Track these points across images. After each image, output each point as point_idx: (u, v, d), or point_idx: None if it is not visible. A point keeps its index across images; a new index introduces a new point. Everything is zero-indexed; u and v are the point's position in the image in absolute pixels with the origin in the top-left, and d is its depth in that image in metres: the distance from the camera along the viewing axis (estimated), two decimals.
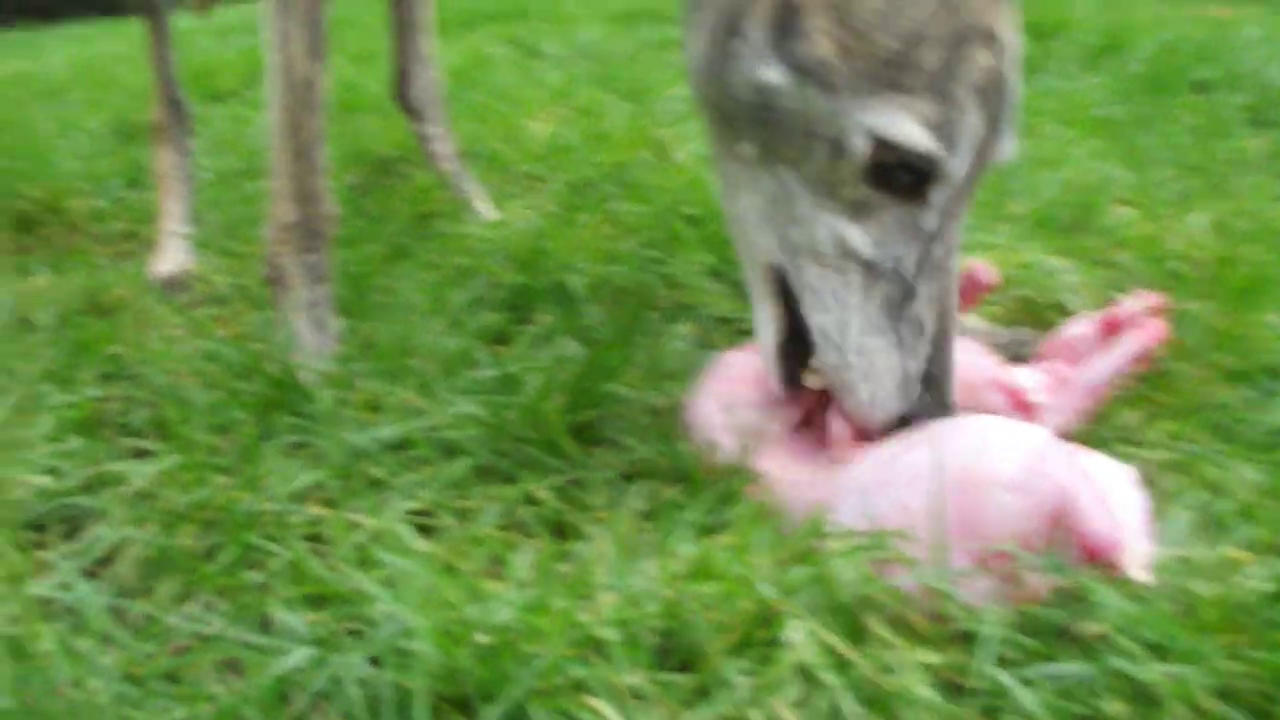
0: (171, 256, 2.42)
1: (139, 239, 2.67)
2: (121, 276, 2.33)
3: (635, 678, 0.98)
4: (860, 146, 1.26)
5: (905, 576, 1.11)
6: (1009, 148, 1.34)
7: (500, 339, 1.85)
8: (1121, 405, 1.55)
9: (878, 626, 1.06)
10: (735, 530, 1.21)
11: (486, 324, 1.88)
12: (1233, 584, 1.09)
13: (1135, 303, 1.60)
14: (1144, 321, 1.56)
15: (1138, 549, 1.16)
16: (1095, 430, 1.50)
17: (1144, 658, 1.00)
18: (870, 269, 1.32)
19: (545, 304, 1.96)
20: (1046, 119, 3.25)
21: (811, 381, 1.40)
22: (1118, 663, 1.00)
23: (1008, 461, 1.16)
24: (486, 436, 1.45)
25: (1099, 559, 1.12)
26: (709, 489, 1.33)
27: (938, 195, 1.30)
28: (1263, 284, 1.85)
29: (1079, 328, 1.63)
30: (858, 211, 1.31)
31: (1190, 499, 1.34)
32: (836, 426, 1.35)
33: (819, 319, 1.35)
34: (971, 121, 1.27)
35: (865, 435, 1.33)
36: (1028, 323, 1.91)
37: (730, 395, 1.44)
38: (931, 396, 1.33)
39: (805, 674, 1.00)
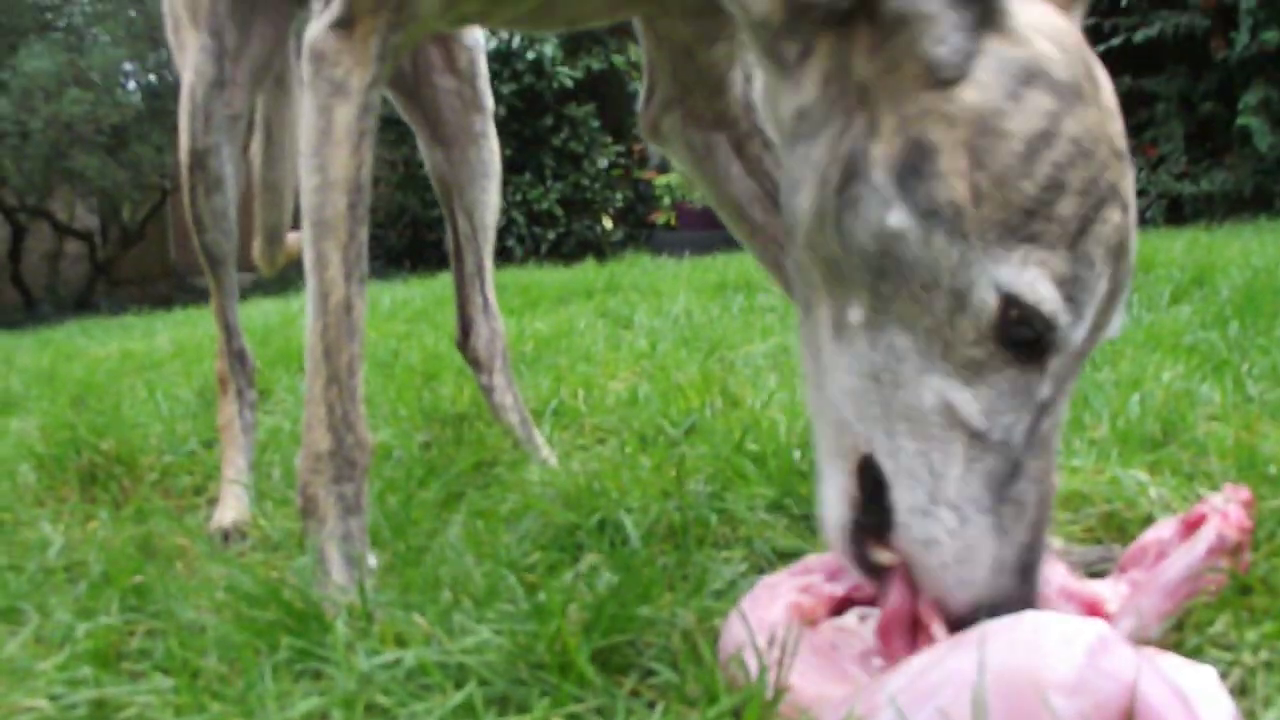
0: (231, 506, 2.39)
1: (206, 493, 2.63)
2: (180, 526, 2.28)
3: None
4: (988, 300, 1.17)
5: None
6: (1119, 323, 1.25)
7: (541, 575, 1.73)
8: (1211, 610, 1.38)
9: None
10: None
11: (529, 562, 1.76)
12: None
13: (1220, 497, 1.43)
14: (1225, 511, 1.39)
15: None
16: (1180, 639, 1.34)
17: None
18: (976, 439, 1.20)
19: (595, 543, 1.85)
20: (1130, 345, 3.13)
21: (885, 558, 1.25)
22: None
23: (1062, 660, 1.01)
24: (503, 664, 1.33)
25: None
26: (734, 711, 1.19)
27: (1056, 361, 1.20)
28: None
29: (1161, 531, 1.46)
30: (970, 375, 1.20)
31: None
32: (925, 613, 1.21)
33: (910, 497, 1.22)
34: (1101, 284, 1.18)
35: (954, 624, 1.18)
36: (1113, 540, 1.77)
37: (767, 616, 1.31)
38: (1022, 586, 1.19)
39: None
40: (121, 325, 10.10)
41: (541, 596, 1.47)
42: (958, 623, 1.19)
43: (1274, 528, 1.55)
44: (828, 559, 1.44)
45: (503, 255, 12.20)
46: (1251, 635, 1.32)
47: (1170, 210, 9.47)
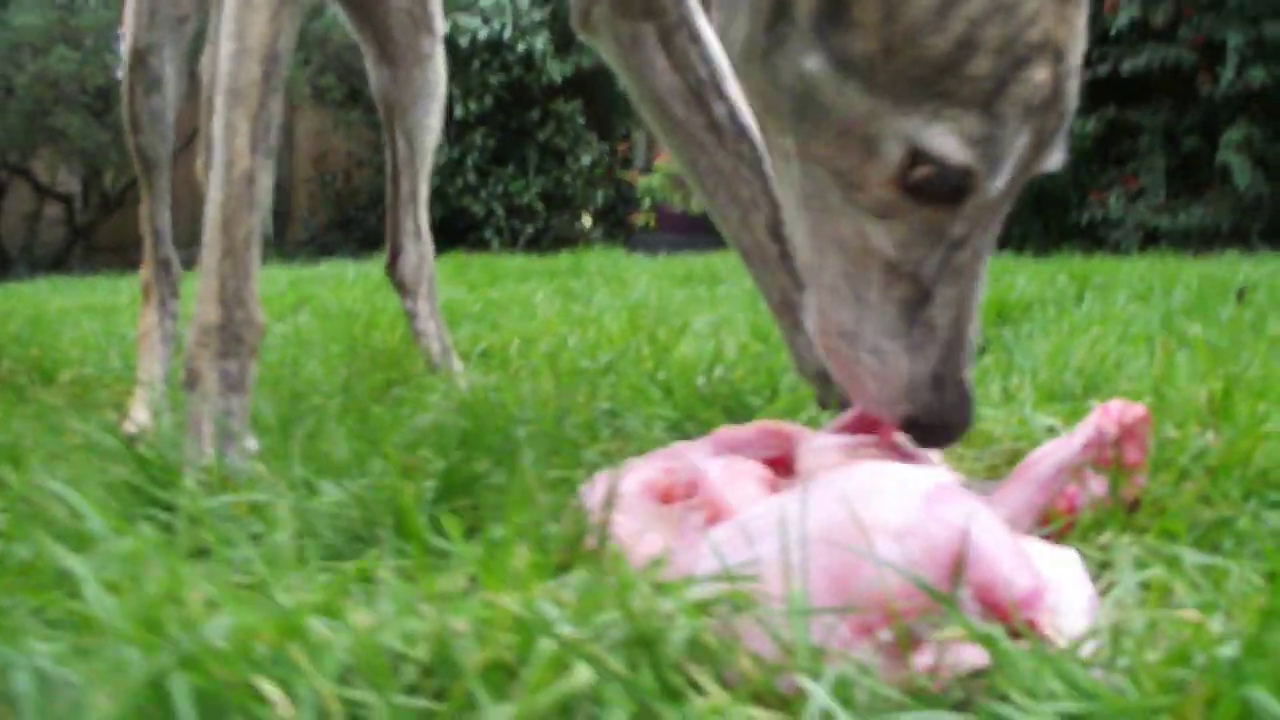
0: (142, 410, 2.31)
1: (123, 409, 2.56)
2: (76, 417, 2.19)
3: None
4: (894, 153, 1.19)
5: (756, 635, 0.89)
6: (1056, 159, 1.25)
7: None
8: (1096, 525, 1.31)
9: (707, 681, 0.84)
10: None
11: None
12: (1180, 651, 0.86)
13: (1114, 407, 1.36)
14: (1107, 406, 1.33)
15: (1067, 620, 0.94)
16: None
17: None
18: (890, 268, 1.26)
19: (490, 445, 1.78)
20: (1073, 329, 3.07)
21: None
22: None
23: (894, 505, 0.95)
24: (344, 521, 1.26)
25: (1008, 617, 0.90)
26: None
27: (970, 207, 1.22)
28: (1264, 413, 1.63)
29: (1046, 448, 1.40)
30: (884, 212, 1.24)
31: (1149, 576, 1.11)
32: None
33: (839, 316, 1.29)
34: (1020, 141, 1.18)
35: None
36: None
37: (619, 486, 1.24)
38: (944, 400, 1.26)
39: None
40: (89, 284, 9.99)
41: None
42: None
43: (1174, 455, 1.49)
44: (700, 444, 1.37)
45: (480, 245, 12.15)
46: (1125, 539, 1.25)
47: (1145, 242, 9.43)
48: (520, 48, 12.55)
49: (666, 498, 1.25)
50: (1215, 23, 9.46)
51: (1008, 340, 2.88)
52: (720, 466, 1.23)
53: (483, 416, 1.88)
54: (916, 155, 1.18)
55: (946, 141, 1.16)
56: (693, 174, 1.89)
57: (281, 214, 15.21)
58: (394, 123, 2.72)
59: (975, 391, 1.29)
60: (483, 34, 12.46)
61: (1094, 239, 9.67)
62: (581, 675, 0.78)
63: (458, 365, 2.63)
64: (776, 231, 1.80)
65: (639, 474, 1.28)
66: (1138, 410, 1.34)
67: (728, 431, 1.39)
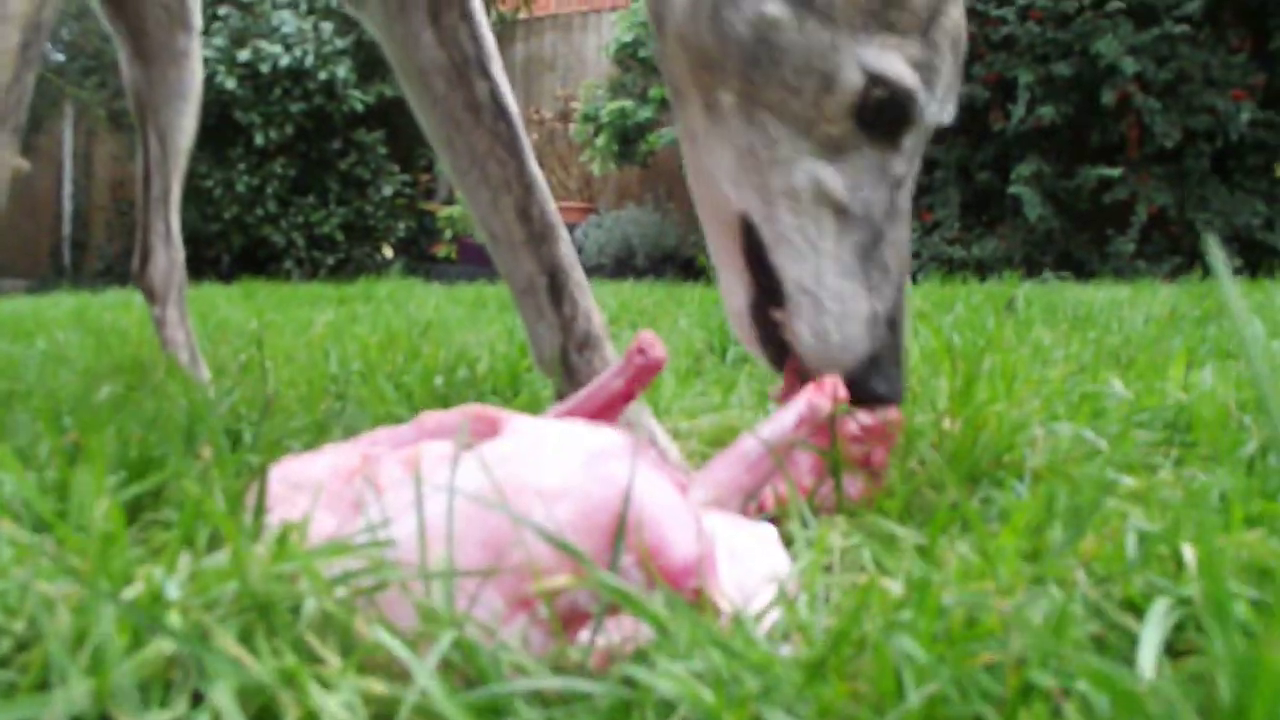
0: None
1: None
2: None
3: None
4: (853, 80, 1.30)
5: (398, 606, 0.80)
6: (951, 109, 1.37)
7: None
8: (814, 508, 1.26)
9: (330, 654, 0.76)
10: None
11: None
12: (853, 614, 0.79)
13: (829, 383, 1.31)
14: (821, 381, 1.27)
15: (750, 589, 0.87)
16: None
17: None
18: (843, 213, 1.34)
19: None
20: None
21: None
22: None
23: (553, 466, 0.87)
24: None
25: (675, 584, 0.82)
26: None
27: (909, 140, 1.35)
28: (997, 395, 1.60)
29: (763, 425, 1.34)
30: (834, 153, 1.33)
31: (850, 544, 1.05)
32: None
33: (793, 267, 1.35)
34: (947, 70, 1.34)
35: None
36: None
37: (307, 470, 1.15)
38: (894, 336, 1.35)
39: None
40: None
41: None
42: (850, 382, 1.31)
43: (915, 443, 1.45)
44: (398, 430, 1.29)
45: (281, 276, 11.90)
46: (841, 521, 1.20)
47: (946, 272, 9.57)
48: (322, 76, 12.33)
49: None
50: (1008, 61, 9.68)
51: None
52: (406, 450, 1.14)
53: (200, 415, 1.78)
54: (873, 79, 1.29)
55: (897, 65, 1.30)
56: (448, 153, 1.86)
57: (78, 244, 14.78)
58: (147, 122, 2.60)
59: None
60: (284, 61, 12.21)
61: None
62: (164, 645, 0.69)
63: (204, 374, 2.50)
64: (526, 214, 1.76)
65: (332, 457, 1.19)
66: (890, 413, 1.31)
67: (431, 416, 1.30)
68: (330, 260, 12.66)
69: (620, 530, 0.82)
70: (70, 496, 1.00)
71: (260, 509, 0.99)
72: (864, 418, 1.31)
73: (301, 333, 4.08)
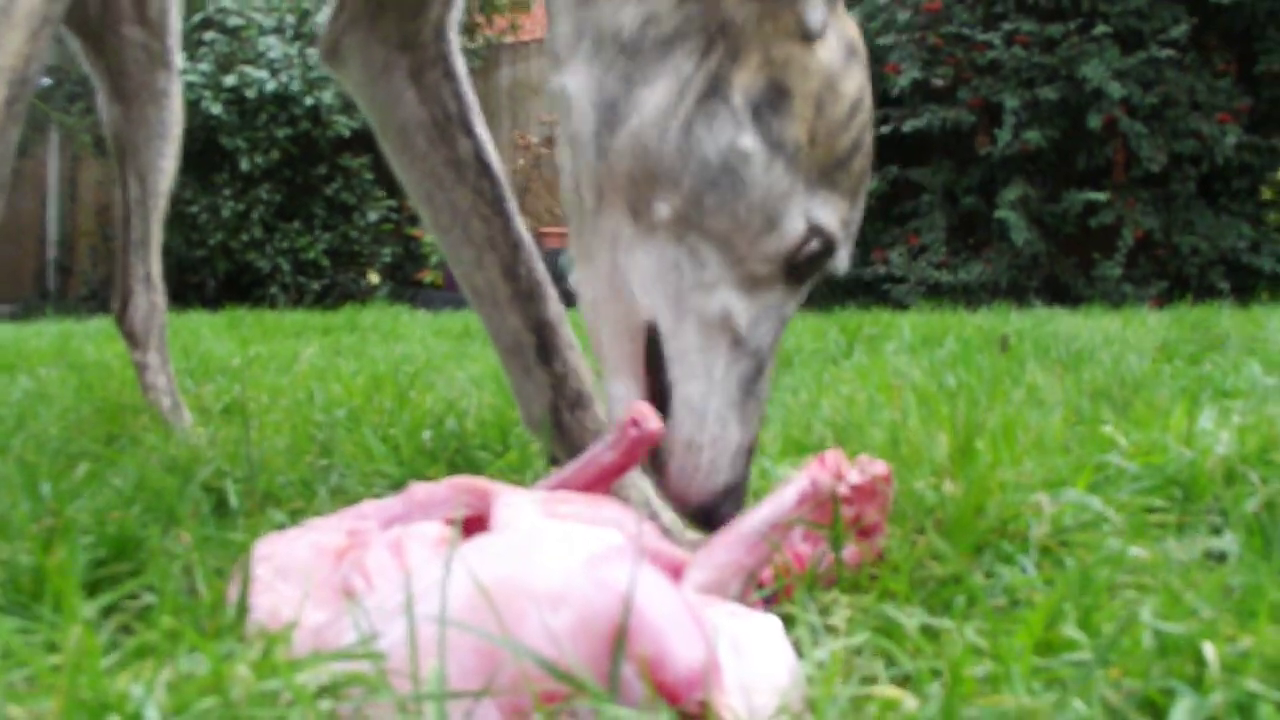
0: None
1: None
2: None
3: None
4: (796, 228, 1.36)
5: (388, 715, 0.76)
6: (845, 258, 1.43)
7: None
8: (818, 585, 1.22)
9: None
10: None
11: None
12: None
13: (830, 458, 1.27)
14: (823, 456, 1.23)
15: (756, 697, 0.83)
16: (777, 610, 1.18)
17: None
18: (739, 344, 1.38)
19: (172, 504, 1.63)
20: (839, 382, 3.02)
21: None
22: None
23: (552, 569, 0.83)
24: None
25: (677, 698, 0.79)
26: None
27: (810, 282, 1.42)
28: (1000, 458, 1.56)
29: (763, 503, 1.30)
30: (750, 288, 1.37)
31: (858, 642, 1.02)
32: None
33: (686, 385, 1.37)
34: (855, 226, 1.44)
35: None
36: None
37: (290, 551, 1.11)
38: (747, 468, 1.40)
39: None
40: None
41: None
42: (698, 511, 1.37)
43: (910, 508, 1.41)
44: (386, 504, 1.25)
45: (265, 302, 11.83)
46: (844, 600, 1.16)
47: (927, 297, 9.56)
48: (308, 101, 12.30)
49: (343, 561, 1.12)
50: (994, 85, 9.68)
51: (773, 397, 2.80)
52: (394, 532, 1.10)
53: (188, 475, 1.74)
54: (812, 230, 1.37)
55: (832, 220, 1.39)
56: (429, 210, 1.82)
57: (63, 268, 14.71)
58: (126, 163, 2.55)
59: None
60: (270, 87, 12.17)
61: (877, 295, 9.77)
62: None
63: (186, 420, 2.46)
64: (512, 272, 1.73)
65: (315, 535, 1.15)
66: (878, 468, 1.26)
67: (421, 488, 1.26)
68: (316, 286, 12.60)
69: (620, 640, 0.78)
70: (43, 595, 0.96)
71: (243, 606, 0.95)
72: (854, 477, 1.27)
73: (286, 369, 4.05)
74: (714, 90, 1.35)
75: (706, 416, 1.36)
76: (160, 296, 2.56)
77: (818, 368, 3.41)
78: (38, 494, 1.53)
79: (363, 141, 12.72)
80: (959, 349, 3.68)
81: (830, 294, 9.74)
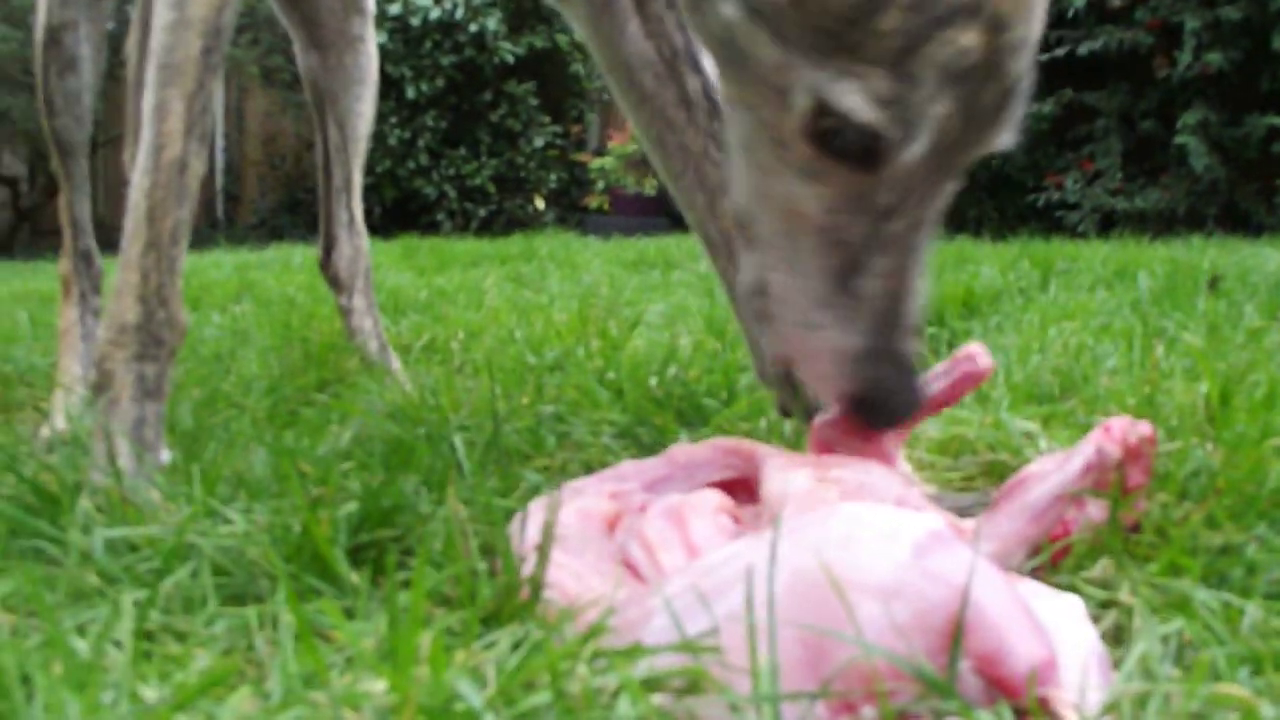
0: (61, 413, 2.16)
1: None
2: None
3: None
4: (801, 103, 1.14)
5: (716, 716, 0.75)
6: (1006, 139, 1.18)
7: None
8: (1091, 552, 1.18)
9: None
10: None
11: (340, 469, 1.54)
12: None
13: (1116, 426, 1.22)
14: (1108, 425, 1.19)
15: (1078, 690, 0.80)
16: (1053, 580, 1.14)
17: None
18: (820, 234, 1.19)
19: (421, 458, 1.63)
20: (1038, 317, 2.94)
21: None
22: None
23: (879, 557, 0.80)
24: (250, 553, 1.11)
25: (1016, 693, 0.76)
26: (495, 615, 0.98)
27: (892, 172, 1.15)
28: (1270, 425, 1.48)
29: (1042, 464, 1.26)
30: (807, 171, 1.18)
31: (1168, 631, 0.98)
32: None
33: (775, 277, 1.24)
34: (938, 107, 1.10)
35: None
36: (996, 488, 1.58)
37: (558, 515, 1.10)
38: (884, 376, 1.20)
39: None
40: (33, 269, 9.73)
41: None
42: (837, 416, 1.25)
43: (1173, 470, 1.36)
44: (647, 466, 1.24)
45: (432, 228, 11.96)
46: (1134, 573, 1.12)
47: (1102, 225, 9.35)
48: (472, 28, 12.33)
49: (612, 528, 1.11)
50: (1173, 5, 9.37)
51: (976, 334, 2.74)
52: (672, 500, 1.08)
53: (415, 424, 1.74)
54: (822, 108, 1.12)
55: (853, 98, 1.10)
56: (659, 153, 1.76)
57: (231, 197, 15.00)
58: (325, 110, 2.57)
59: (919, 368, 1.23)
60: (434, 14, 12.23)
61: (1050, 221, 9.57)
62: None
63: (395, 363, 2.48)
64: None
65: (580, 501, 1.14)
66: (1143, 428, 1.21)
67: (682, 450, 1.25)
68: (482, 212, 12.69)
69: (958, 635, 0.75)
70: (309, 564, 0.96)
71: (537, 584, 0.94)
72: (1113, 421, 1.22)
73: (473, 303, 4.06)
74: None
75: (790, 312, 1.23)
76: (364, 240, 2.58)
77: (1018, 304, 3.33)
78: (279, 448, 1.55)
79: (528, 67, 12.78)
80: (1158, 286, 3.57)
81: (1002, 219, 9.57)
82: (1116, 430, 1.17)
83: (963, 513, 1.39)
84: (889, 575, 0.79)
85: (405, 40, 12.30)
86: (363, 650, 0.80)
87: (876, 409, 1.21)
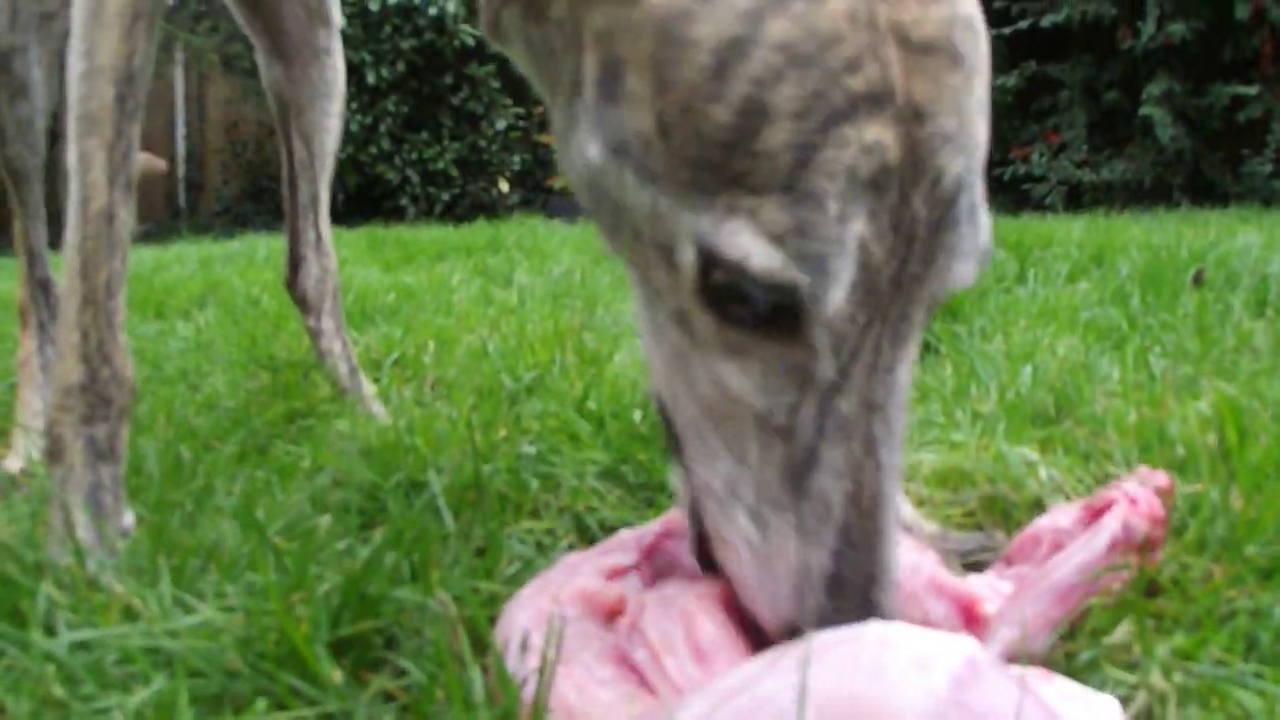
0: (20, 451, 2.10)
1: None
2: None
3: None
4: (687, 257, 0.91)
5: None
6: (964, 269, 0.93)
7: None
8: (1110, 614, 1.12)
9: None
10: None
11: (305, 526, 1.48)
12: None
13: (1133, 482, 1.16)
14: (1135, 497, 1.13)
15: None
16: (1072, 650, 1.09)
17: None
18: (761, 420, 0.93)
19: (394, 506, 1.57)
20: (1023, 317, 2.88)
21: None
22: None
23: (916, 689, 0.74)
24: (223, 651, 1.05)
25: None
26: None
27: (819, 334, 0.90)
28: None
29: (1058, 518, 1.20)
30: (719, 344, 0.94)
31: None
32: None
33: (706, 474, 0.98)
34: (853, 227, 0.86)
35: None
36: (996, 525, 1.52)
37: (554, 606, 1.04)
38: (846, 608, 0.89)
39: None
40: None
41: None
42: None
43: (1185, 518, 1.30)
44: (645, 533, 1.17)
45: (395, 214, 11.88)
46: (1160, 649, 1.06)
47: (1069, 198, 9.34)
48: (432, 11, 12.23)
49: (611, 615, 1.05)
50: None
51: (961, 339, 2.68)
52: (671, 590, 1.02)
53: (391, 468, 1.68)
54: (709, 260, 0.89)
55: (741, 239, 0.87)
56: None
57: (194, 185, 14.86)
58: (289, 123, 2.47)
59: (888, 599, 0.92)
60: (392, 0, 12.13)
61: (1017, 194, 9.56)
62: None
63: (367, 388, 2.41)
64: None
65: (577, 582, 1.08)
66: (1160, 479, 1.15)
67: (679, 515, 1.18)
68: (445, 196, 12.59)
69: None
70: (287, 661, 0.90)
71: (541, 702, 0.88)
72: (1131, 488, 1.17)
73: (442, 306, 3.98)
74: (577, 85, 1.00)
75: (735, 524, 0.96)
76: (331, 260, 2.50)
77: (993, 301, 3.27)
78: (249, 505, 1.48)
79: (488, 50, 12.66)
80: (1137, 275, 3.52)
81: None
82: (1145, 503, 1.11)
83: (966, 557, 1.35)
84: (927, 708, 0.73)
85: (365, 25, 12.18)
86: None
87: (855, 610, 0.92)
